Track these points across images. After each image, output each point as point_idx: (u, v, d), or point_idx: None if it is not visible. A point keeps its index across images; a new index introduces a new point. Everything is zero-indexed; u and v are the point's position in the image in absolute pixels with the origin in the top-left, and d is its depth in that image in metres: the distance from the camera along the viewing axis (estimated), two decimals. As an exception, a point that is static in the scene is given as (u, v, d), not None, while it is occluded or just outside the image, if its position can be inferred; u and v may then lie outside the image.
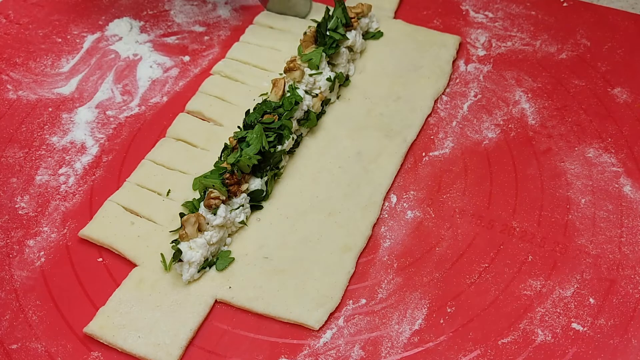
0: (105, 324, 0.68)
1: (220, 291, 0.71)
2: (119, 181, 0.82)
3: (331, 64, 0.90)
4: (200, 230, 0.71)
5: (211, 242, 0.71)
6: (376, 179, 0.80)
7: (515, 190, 0.78)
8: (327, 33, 0.89)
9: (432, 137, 0.85)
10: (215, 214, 0.72)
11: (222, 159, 0.78)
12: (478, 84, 0.91)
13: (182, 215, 0.73)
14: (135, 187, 0.80)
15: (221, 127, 0.86)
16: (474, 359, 0.66)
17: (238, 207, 0.74)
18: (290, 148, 0.82)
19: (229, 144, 0.78)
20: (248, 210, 0.76)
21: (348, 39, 0.90)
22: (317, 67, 0.86)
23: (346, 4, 0.95)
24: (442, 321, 0.68)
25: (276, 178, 0.80)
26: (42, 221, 0.79)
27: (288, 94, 0.82)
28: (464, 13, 1.01)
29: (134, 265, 0.74)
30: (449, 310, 0.69)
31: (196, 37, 1.00)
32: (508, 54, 0.94)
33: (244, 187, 0.75)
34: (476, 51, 0.96)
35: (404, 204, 0.78)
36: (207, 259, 0.72)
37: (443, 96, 0.90)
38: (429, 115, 0.87)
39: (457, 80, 0.92)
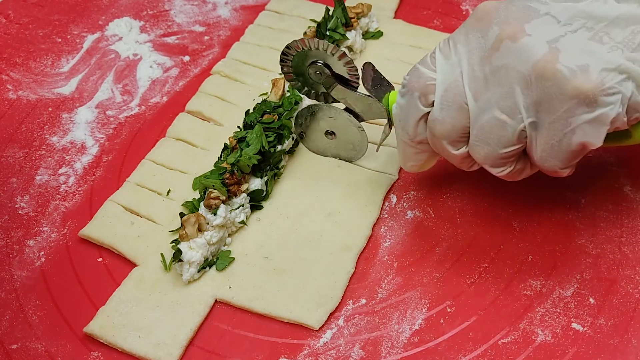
0: (105, 324, 0.68)
1: (220, 291, 0.71)
2: (119, 181, 0.82)
3: (331, 63, 0.90)
4: (200, 230, 0.71)
5: (211, 242, 0.72)
6: (376, 178, 0.80)
7: (515, 190, 0.78)
8: (327, 33, 0.89)
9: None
10: (215, 214, 0.72)
11: (222, 159, 0.78)
12: (478, 84, 0.91)
13: (182, 215, 0.73)
14: (135, 187, 0.80)
15: (221, 127, 0.86)
16: (474, 359, 0.66)
17: (238, 207, 0.74)
18: (290, 148, 0.82)
19: (229, 144, 0.78)
20: (248, 210, 0.76)
21: (348, 38, 0.90)
22: (317, 67, 0.86)
23: (346, 4, 0.95)
24: (442, 321, 0.68)
25: (276, 178, 0.80)
26: (42, 221, 0.79)
27: (288, 94, 0.82)
28: (464, 13, 1.01)
29: (134, 265, 0.74)
30: (449, 310, 0.69)
31: (196, 37, 1.00)
32: (508, 54, 0.94)
33: (244, 187, 0.75)
34: (476, 51, 0.96)
35: (404, 204, 0.78)
36: (207, 259, 0.72)
37: (443, 96, 0.90)
38: (429, 115, 0.87)
39: (457, 80, 0.92)
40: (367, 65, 0.74)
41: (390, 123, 0.73)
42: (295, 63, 0.76)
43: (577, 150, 0.58)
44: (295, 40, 0.75)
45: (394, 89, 0.73)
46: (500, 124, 0.59)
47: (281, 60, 0.76)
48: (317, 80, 0.76)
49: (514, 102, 0.58)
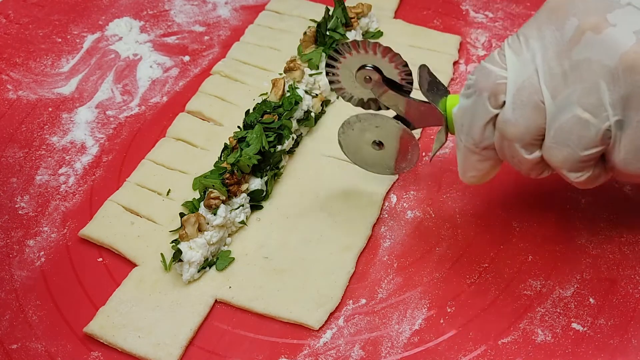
0: (105, 324, 0.68)
1: (220, 291, 0.71)
2: (119, 181, 0.82)
3: (331, 64, 0.90)
4: (200, 230, 0.71)
5: (211, 242, 0.72)
6: (377, 178, 0.80)
7: (516, 190, 0.78)
8: (327, 33, 0.89)
9: (432, 137, 0.85)
10: (215, 214, 0.72)
11: (222, 159, 0.78)
12: (478, 84, 0.91)
13: (182, 215, 0.73)
14: (135, 187, 0.80)
15: (221, 127, 0.86)
16: (474, 359, 0.66)
17: (238, 207, 0.74)
18: (290, 148, 0.82)
19: (228, 144, 0.78)
20: (248, 210, 0.76)
21: (348, 39, 0.90)
22: (317, 67, 0.86)
23: (346, 4, 0.95)
24: (442, 321, 0.68)
25: (276, 178, 0.80)
26: (42, 221, 0.79)
27: (288, 94, 0.82)
28: (464, 13, 1.01)
29: (134, 265, 0.74)
30: (449, 310, 0.69)
31: (196, 37, 1.00)
32: (508, 54, 0.94)
33: (244, 187, 0.75)
34: (476, 51, 0.96)
35: (404, 204, 0.78)
36: (207, 259, 0.72)
37: (443, 96, 0.90)
38: (429, 115, 0.87)
39: (457, 80, 0.92)
40: (423, 67, 0.68)
41: (447, 130, 0.67)
42: (342, 69, 0.69)
43: None
44: (344, 44, 0.67)
45: (450, 93, 0.68)
46: (582, 123, 0.54)
47: (327, 66, 0.70)
48: (366, 86, 0.69)
49: (598, 99, 0.53)
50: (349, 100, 0.73)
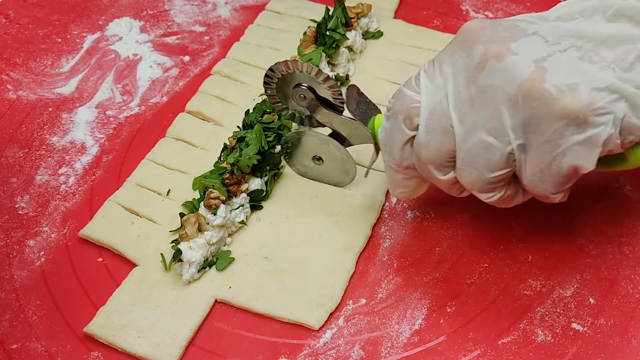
0: (105, 324, 0.68)
1: (220, 291, 0.71)
2: (119, 181, 0.82)
3: (331, 64, 0.90)
4: (200, 230, 0.71)
5: (211, 242, 0.72)
6: (376, 178, 0.80)
7: (515, 190, 0.78)
8: (327, 33, 0.89)
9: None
10: (215, 214, 0.72)
11: (222, 159, 0.78)
12: (478, 84, 0.91)
13: (182, 215, 0.73)
14: (135, 187, 0.80)
15: (221, 127, 0.86)
16: (474, 359, 0.66)
17: (238, 207, 0.74)
18: (290, 148, 0.82)
19: (228, 144, 0.78)
20: (248, 210, 0.76)
21: (348, 38, 0.90)
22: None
23: (346, 4, 0.95)
24: (442, 321, 0.68)
25: (276, 178, 0.80)
26: (42, 221, 0.79)
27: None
28: (464, 13, 1.01)
29: (134, 265, 0.74)
30: (449, 310, 0.69)
31: (196, 37, 1.00)
32: (508, 54, 0.94)
33: (244, 187, 0.75)
34: (476, 51, 0.96)
35: (404, 204, 0.78)
36: (207, 259, 0.72)
37: (443, 96, 0.90)
38: (429, 115, 0.87)
39: (457, 80, 0.92)
40: (352, 87, 0.71)
41: (377, 147, 0.70)
42: (279, 86, 0.74)
43: (569, 174, 0.56)
44: (278, 63, 0.72)
45: (380, 113, 0.71)
46: (487, 147, 0.57)
47: (265, 83, 0.74)
48: (302, 103, 0.74)
49: (501, 124, 0.56)
50: (290, 118, 0.77)
